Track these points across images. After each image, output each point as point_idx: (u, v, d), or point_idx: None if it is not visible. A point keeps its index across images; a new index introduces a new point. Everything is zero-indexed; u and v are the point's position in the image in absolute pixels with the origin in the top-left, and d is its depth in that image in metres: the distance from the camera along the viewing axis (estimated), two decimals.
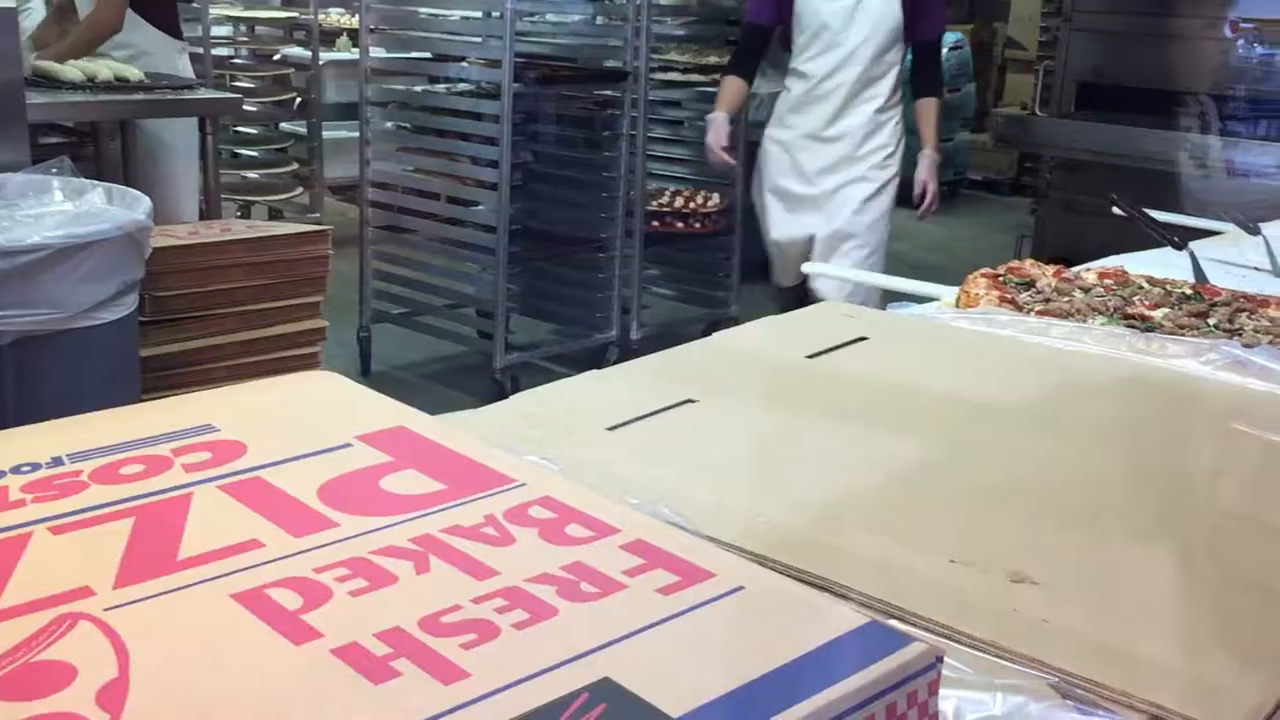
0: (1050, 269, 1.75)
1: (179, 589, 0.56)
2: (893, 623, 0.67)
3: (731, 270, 4.58)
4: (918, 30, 3.24)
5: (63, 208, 2.24)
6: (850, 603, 0.70)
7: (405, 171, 4.18)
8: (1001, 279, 1.68)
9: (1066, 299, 1.60)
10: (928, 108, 3.32)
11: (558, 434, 0.94)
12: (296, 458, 0.71)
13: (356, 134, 4.21)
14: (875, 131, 3.37)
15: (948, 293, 1.69)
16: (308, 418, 0.79)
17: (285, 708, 0.48)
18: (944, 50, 3.74)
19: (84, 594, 0.55)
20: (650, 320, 4.45)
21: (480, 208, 4.08)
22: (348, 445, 0.73)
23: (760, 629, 0.56)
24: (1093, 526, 0.84)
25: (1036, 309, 1.54)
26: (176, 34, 3.83)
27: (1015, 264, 1.78)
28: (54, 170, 2.37)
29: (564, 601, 0.56)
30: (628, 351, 4.10)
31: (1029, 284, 1.67)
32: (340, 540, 0.61)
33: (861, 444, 0.96)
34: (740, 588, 0.58)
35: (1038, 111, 4.68)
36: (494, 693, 0.49)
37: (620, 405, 1.00)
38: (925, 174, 3.38)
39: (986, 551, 0.77)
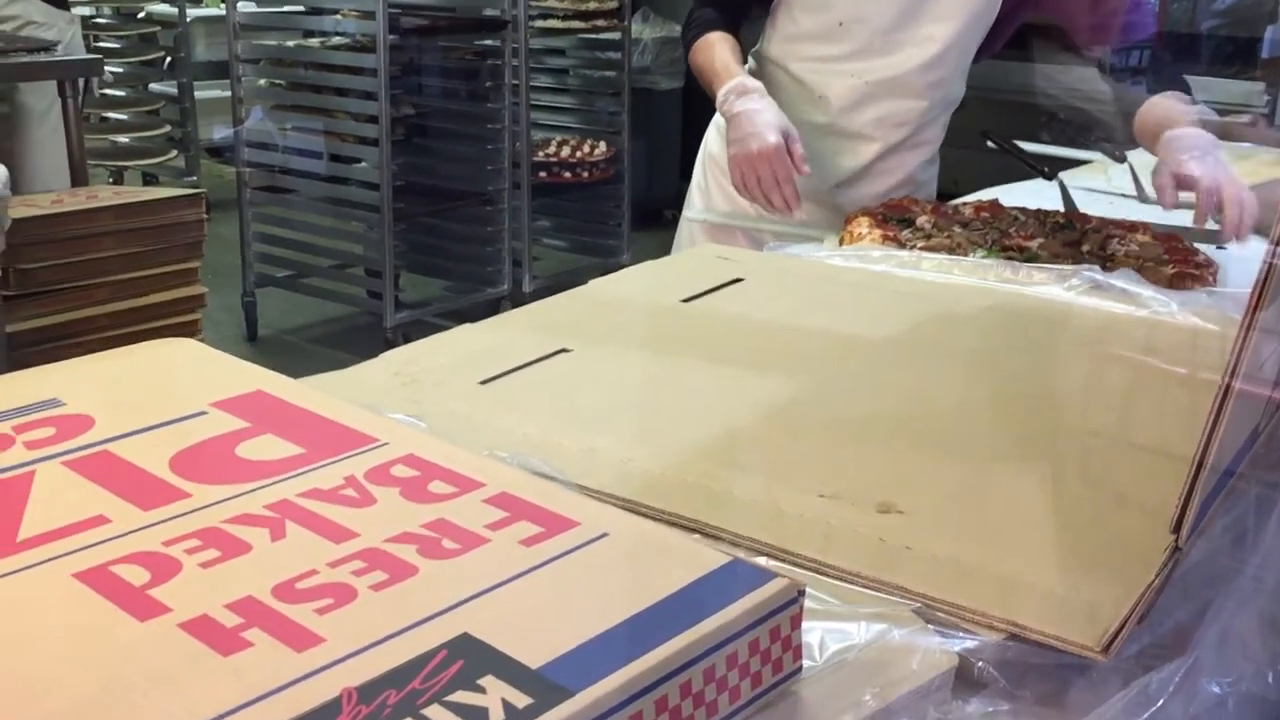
0: (929, 205, 1.78)
1: (18, 571, 0.54)
2: (762, 560, 0.68)
3: (622, 218, 4.57)
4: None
5: None
6: (721, 543, 0.70)
7: (282, 130, 4.07)
8: (882, 217, 1.70)
9: (946, 234, 1.62)
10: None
11: (428, 390, 0.92)
12: (147, 429, 0.68)
13: (230, 93, 4.08)
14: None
15: (827, 233, 1.71)
16: (160, 387, 0.77)
17: (128, 685, 0.46)
18: None
19: None
20: (542, 272, 4.42)
21: (362, 164, 3.99)
22: (202, 413, 0.71)
23: (623, 575, 0.56)
24: (960, 453, 0.85)
25: (919, 245, 1.56)
26: (63, 4, 3.66)
27: (894, 201, 1.80)
28: None
29: (424, 560, 0.56)
30: (521, 304, 4.07)
31: (910, 221, 1.69)
32: (192, 511, 0.60)
33: (734, 385, 0.96)
34: (604, 535, 0.58)
35: None
36: (349, 656, 0.48)
37: (493, 358, 0.99)
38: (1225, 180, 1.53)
39: (854, 484, 0.78)
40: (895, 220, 1.70)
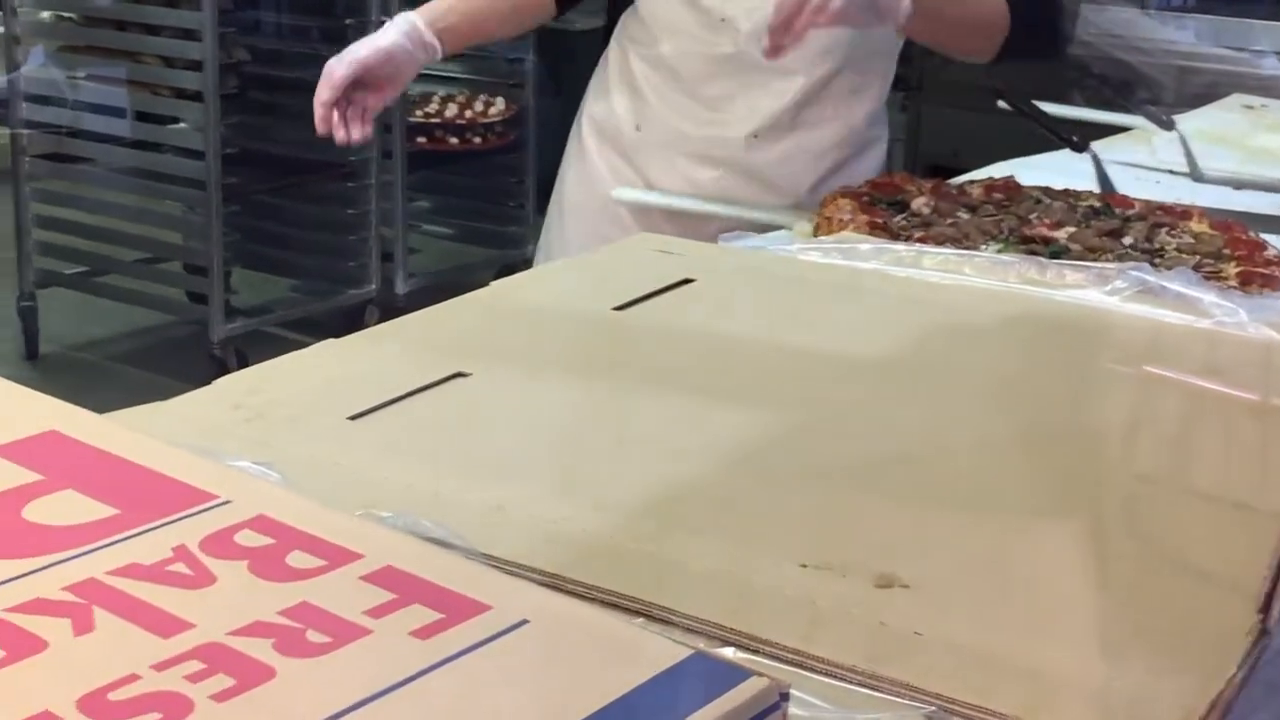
0: (927, 184, 1.80)
1: None
2: (728, 652, 0.69)
3: (525, 197, 4.58)
4: None
5: None
6: (675, 629, 0.71)
7: (73, 80, 4.01)
8: (868, 199, 1.73)
9: (950, 221, 1.65)
10: None
11: (280, 428, 0.92)
12: None
13: (0, 29, 4.01)
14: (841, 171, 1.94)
15: (798, 219, 1.72)
16: None
17: None
18: None
19: None
20: (421, 269, 4.41)
21: (181, 126, 3.95)
22: None
23: (550, 676, 0.56)
24: (978, 508, 0.87)
25: (915, 235, 1.58)
26: None
27: (882, 179, 1.83)
28: None
29: (283, 658, 0.55)
30: (392, 311, 4.05)
31: (903, 205, 1.72)
32: None
33: (686, 421, 0.97)
34: (524, 622, 0.58)
35: None
36: None
37: (367, 385, 0.99)
38: None
39: (846, 550, 0.78)
40: (884, 203, 1.72)
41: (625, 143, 1.93)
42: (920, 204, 1.71)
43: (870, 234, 1.57)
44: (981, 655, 0.69)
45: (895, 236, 1.58)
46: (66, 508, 0.65)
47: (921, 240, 1.55)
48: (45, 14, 4.08)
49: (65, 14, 4.07)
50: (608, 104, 1.97)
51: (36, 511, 0.65)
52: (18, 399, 0.79)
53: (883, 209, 1.70)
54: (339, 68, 1.80)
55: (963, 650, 0.69)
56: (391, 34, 1.84)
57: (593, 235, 1.88)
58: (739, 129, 1.85)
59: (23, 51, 4.00)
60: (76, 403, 0.78)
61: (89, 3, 4.00)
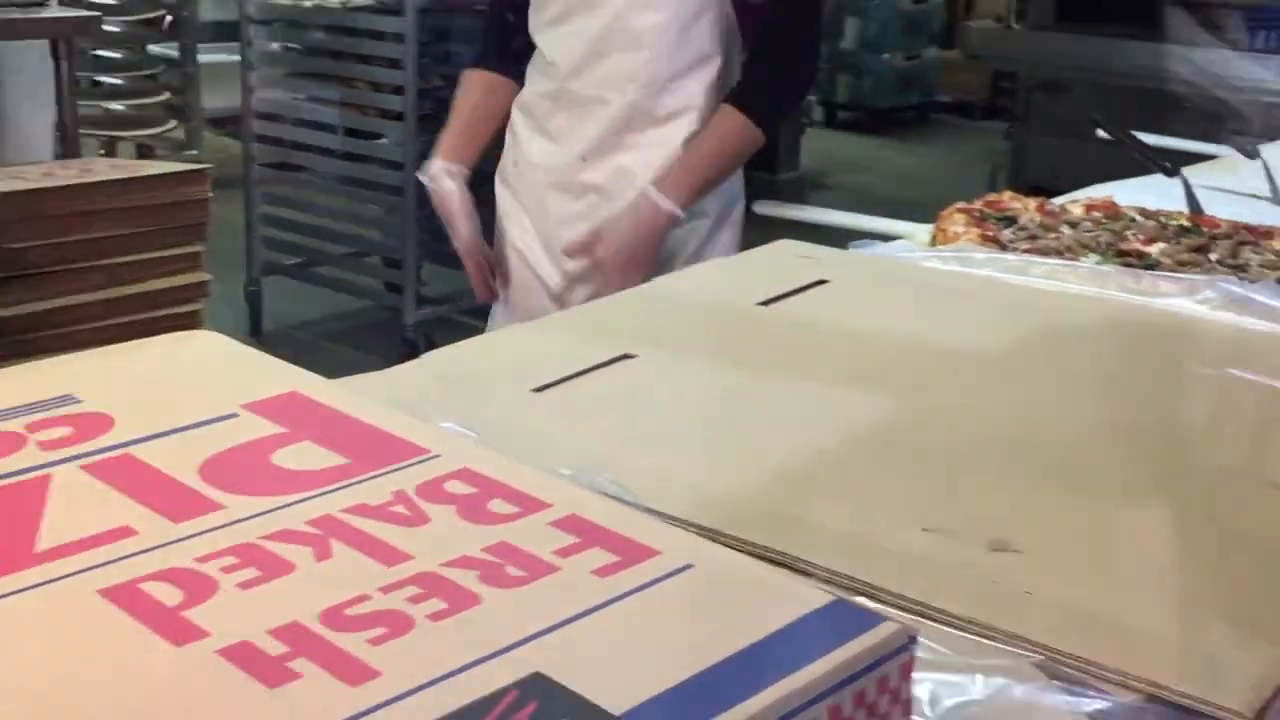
0: (1032, 202, 1.77)
1: (37, 585, 0.55)
2: (860, 600, 0.68)
3: None
4: None
5: None
6: (813, 580, 0.71)
7: (296, 100, 4.12)
8: (979, 214, 1.70)
9: (1054, 235, 1.62)
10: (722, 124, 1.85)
11: (476, 397, 0.94)
12: (173, 431, 0.69)
13: (238, 57, 4.13)
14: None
15: (917, 230, 1.71)
16: (185, 384, 0.78)
17: (165, 717, 0.47)
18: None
19: None
20: None
21: (384, 141, 4.03)
22: (233, 415, 0.72)
23: (712, 612, 0.56)
24: (1079, 486, 0.85)
25: (1022, 247, 1.56)
26: None
27: (993, 197, 1.80)
28: None
29: (487, 588, 0.56)
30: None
31: (1011, 219, 1.69)
32: (226, 525, 0.60)
33: (822, 401, 0.97)
34: (689, 566, 0.58)
35: (1014, 24, 4.72)
36: (409, 693, 0.48)
37: (547, 362, 1.00)
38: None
39: (962, 518, 0.78)
40: (995, 218, 1.69)
41: (509, 179, 1.99)
42: (1027, 219, 1.69)
43: (983, 245, 1.55)
44: (1084, 613, 0.68)
45: (1005, 248, 1.56)
46: (306, 456, 0.67)
47: (1028, 251, 1.52)
48: (275, 45, 4.18)
49: (291, 45, 4.17)
50: (505, 151, 2.04)
51: (282, 458, 0.67)
52: (264, 364, 0.81)
53: (993, 223, 1.67)
54: (474, 258, 1.97)
55: (1067, 608, 0.69)
56: (459, 200, 1.97)
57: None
58: (571, 154, 1.90)
59: (255, 76, 4.11)
60: None
61: (310, 36, 4.10)
